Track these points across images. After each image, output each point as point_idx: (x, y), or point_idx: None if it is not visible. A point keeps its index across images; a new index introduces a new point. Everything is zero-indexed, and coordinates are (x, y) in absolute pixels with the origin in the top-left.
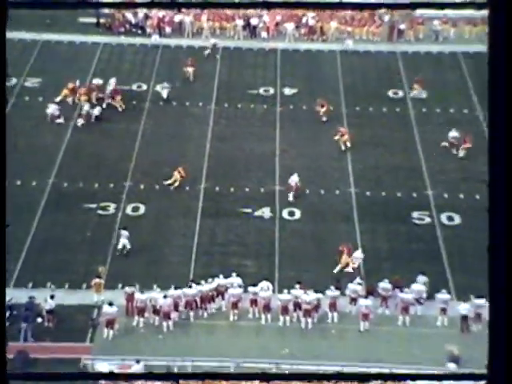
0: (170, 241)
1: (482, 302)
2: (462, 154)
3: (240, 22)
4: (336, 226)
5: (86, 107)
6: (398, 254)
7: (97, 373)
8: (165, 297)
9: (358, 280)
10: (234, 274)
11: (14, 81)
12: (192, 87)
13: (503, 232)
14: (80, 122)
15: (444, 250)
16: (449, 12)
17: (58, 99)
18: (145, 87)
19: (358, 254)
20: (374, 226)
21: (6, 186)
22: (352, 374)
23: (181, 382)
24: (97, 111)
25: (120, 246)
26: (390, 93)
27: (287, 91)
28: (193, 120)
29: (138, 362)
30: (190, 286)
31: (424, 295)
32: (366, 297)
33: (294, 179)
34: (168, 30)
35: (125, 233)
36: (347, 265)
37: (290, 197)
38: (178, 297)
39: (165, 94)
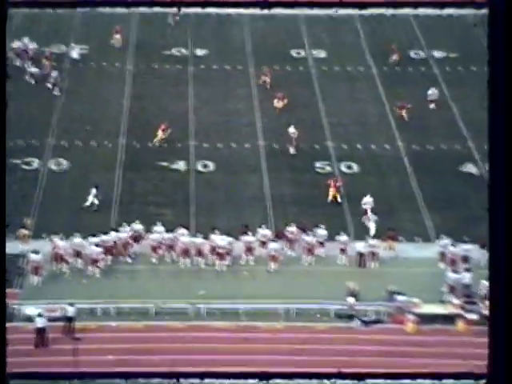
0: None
1: (376, 242)
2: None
3: None
4: (246, 177)
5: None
6: (303, 201)
7: (96, 372)
8: (97, 245)
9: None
10: (158, 223)
11: None
12: (109, 49)
13: (503, 231)
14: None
15: (344, 196)
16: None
17: None
18: (64, 49)
19: (368, 199)
20: (280, 175)
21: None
22: (350, 373)
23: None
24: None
25: (88, 203)
26: (293, 53)
27: (199, 52)
28: (111, 80)
29: (71, 305)
30: (108, 234)
31: (351, 241)
32: (274, 240)
33: (291, 131)
34: None
35: (93, 191)
36: (335, 197)
37: (291, 150)
38: (102, 243)
39: (75, 54)
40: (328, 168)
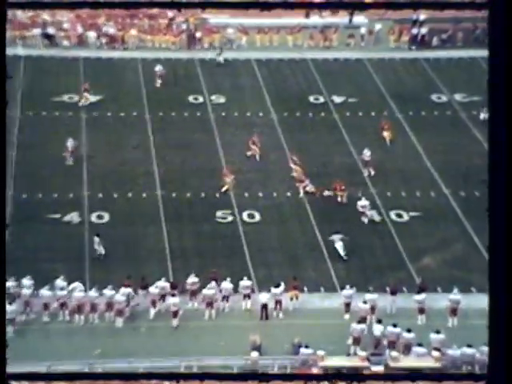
0: None
1: (280, 290)
2: (371, 172)
3: (38, 31)
4: (144, 228)
5: None
6: (204, 252)
7: (97, 373)
8: (10, 303)
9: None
10: (60, 277)
11: None
12: None
13: (503, 232)
14: None
15: (246, 246)
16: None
17: None
18: None
19: (364, 202)
20: (180, 226)
21: (6, 186)
22: (351, 374)
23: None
24: None
25: (102, 252)
26: (191, 98)
27: (92, 98)
28: None
29: None
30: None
31: (251, 290)
32: (173, 294)
33: (366, 153)
34: None
35: (97, 239)
36: (342, 197)
37: (369, 171)
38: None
39: None
40: (230, 217)
